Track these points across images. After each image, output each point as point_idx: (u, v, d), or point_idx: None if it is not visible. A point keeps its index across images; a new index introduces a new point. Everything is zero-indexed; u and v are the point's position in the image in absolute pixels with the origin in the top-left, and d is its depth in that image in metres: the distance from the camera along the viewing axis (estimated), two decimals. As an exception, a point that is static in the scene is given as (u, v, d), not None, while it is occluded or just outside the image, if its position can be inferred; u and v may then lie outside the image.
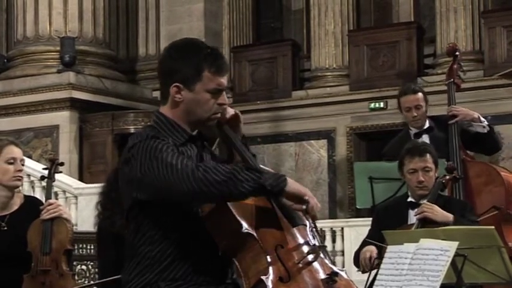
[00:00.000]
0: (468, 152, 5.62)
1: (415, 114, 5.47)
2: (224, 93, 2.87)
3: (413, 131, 5.56)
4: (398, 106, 5.63)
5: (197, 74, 2.80)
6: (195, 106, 2.83)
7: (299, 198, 2.72)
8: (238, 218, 2.74)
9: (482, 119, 5.51)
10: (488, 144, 5.61)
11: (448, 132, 5.44)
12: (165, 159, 2.70)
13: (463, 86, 5.92)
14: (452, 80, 5.65)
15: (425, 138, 5.49)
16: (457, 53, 5.75)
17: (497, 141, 5.68)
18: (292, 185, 2.71)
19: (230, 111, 2.92)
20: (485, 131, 5.48)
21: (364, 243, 4.49)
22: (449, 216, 4.31)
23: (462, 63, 5.91)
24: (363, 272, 4.38)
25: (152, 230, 2.81)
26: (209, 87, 2.81)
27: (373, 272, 4.25)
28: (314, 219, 2.83)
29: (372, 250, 4.30)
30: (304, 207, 2.72)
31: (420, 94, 5.52)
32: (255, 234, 2.74)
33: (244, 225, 2.73)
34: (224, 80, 2.85)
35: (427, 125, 5.55)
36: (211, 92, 2.82)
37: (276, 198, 2.73)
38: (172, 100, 2.84)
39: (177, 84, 2.81)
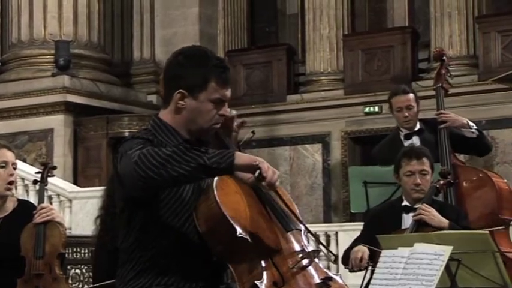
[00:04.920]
0: (459, 155, 5.62)
1: (406, 114, 5.49)
2: (226, 104, 2.87)
3: (403, 132, 5.57)
4: (389, 107, 5.64)
5: (203, 83, 2.81)
6: (197, 115, 2.83)
7: (251, 169, 2.64)
8: (233, 223, 2.72)
9: (471, 124, 5.52)
10: (479, 148, 5.64)
11: (437, 134, 5.46)
12: (129, 154, 2.68)
13: (458, 90, 5.95)
14: (440, 84, 5.67)
15: (416, 140, 5.50)
16: (444, 58, 5.77)
17: (487, 144, 5.72)
18: (242, 157, 2.64)
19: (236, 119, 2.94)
20: (475, 136, 5.49)
21: (354, 244, 4.49)
22: (445, 222, 4.32)
23: (456, 68, 5.95)
24: (351, 270, 4.37)
25: (144, 235, 2.81)
26: (213, 98, 2.82)
27: (367, 276, 4.24)
28: (271, 186, 2.68)
29: (364, 251, 4.30)
30: (256, 174, 2.63)
31: (411, 95, 5.54)
32: (249, 239, 2.73)
33: (239, 230, 2.72)
34: (228, 92, 2.86)
35: (417, 126, 5.57)
36: (215, 102, 2.83)
37: (227, 174, 2.67)
38: (175, 106, 2.84)
39: (182, 91, 2.82)
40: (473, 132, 5.48)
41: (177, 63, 2.86)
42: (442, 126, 5.45)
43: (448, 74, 5.72)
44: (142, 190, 2.68)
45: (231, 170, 2.63)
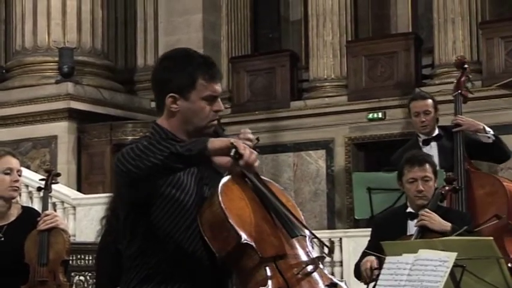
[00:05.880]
0: (475, 161, 5.62)
1: (423, 119, 5.52)
2: (219, 100, 2.87)
3: (421, 137, 5.59)
4: (408, 112, 5.70)
5: (192, 82, 2.81)
6: (192, 115, 2.83)
7: (227, 150, 2.63)
8: (237, 228, 2.72)
9: (488, 129, 5.53)
10: (496, 154, 5.63)
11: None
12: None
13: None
14: (459, 91, 5.71)
15: (434, 146, 5.52)
16: (466, 66, 5.82)
17: (504, 150, 5.68)
18: (215, 141, 2.64)
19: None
20: (491, 141, 5.50)
21: (364, 255, 4.48)
22: (447, 225, 4.31)
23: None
24: (365, 283, 4.36)
25: (148, 243, 2.80)
26: (204, 95, 2.82)
27: (372, 283, 4.24)
28: (249, 166, 2.64)
29: (371, 260, 4.29)
30: (232, 153, 2.60)
31: (430, 100, 5.60)
32: (254, 245, 2.73)
33: (243, 236, 2.71)
34: (218, 87, 2.86)
35: (436, 132, 5.58)
36: (207, 99, 2.83)
37: (203, 160, 2.67)
38: (169, 111, 2.84)
39: (173, 94, 2.82)
40: (489, 138, 5.49)
41: (163, 68, 2.87)
42: (456, 129, 5.47)
43: (468, 81, 5.77)
44: (129, 185, 2.73)
45: (206, 155, 2.63)
